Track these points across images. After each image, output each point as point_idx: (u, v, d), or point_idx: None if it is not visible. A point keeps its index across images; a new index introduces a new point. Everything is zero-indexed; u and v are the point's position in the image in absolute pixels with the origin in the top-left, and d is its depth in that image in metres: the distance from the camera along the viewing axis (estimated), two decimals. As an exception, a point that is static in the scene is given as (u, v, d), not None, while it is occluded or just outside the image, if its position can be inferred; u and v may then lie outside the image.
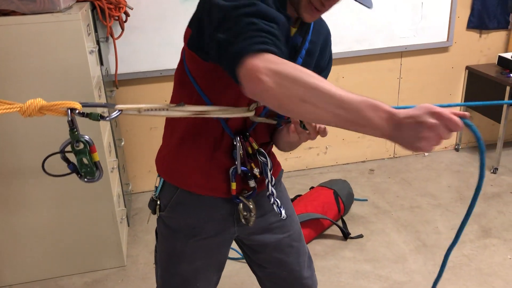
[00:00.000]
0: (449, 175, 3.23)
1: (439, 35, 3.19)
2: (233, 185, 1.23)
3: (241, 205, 1.27)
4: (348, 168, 3.35)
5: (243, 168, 1.21)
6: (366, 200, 2.93)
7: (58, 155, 0.99)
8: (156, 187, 1.30)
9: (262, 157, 1.22)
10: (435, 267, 2.32)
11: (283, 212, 1.28)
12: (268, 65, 0.84)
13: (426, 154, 3.53)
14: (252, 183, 1.24)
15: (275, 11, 0.96)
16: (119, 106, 0.94)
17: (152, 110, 0.96)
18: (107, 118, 0.94)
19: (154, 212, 1.32)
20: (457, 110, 0.85)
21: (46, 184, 2.15)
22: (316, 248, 2.50)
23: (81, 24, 1.94)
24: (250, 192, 1.25)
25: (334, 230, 2.62)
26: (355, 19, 2.99)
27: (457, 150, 3.56)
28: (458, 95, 3.44)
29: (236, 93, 1.07)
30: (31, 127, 2.05)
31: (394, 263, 2.37)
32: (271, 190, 1.25)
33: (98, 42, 2.39)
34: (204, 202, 1.26)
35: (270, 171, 1.23)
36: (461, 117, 0.81)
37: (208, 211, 1.27)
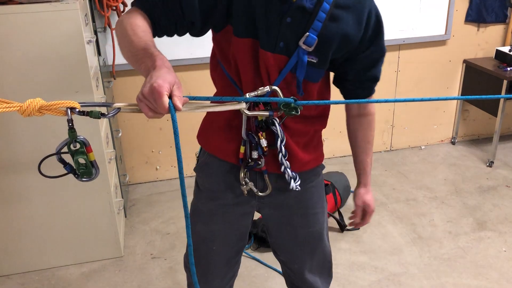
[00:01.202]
0: (445, 168, 3.24)
1: (437, 28, 3.19)
2: (241, 149, 1.24)
3: (241, 173, 1.26)
4: (345, 161, 3.36)
5: (249, 134, 1.20)
6: (363, 192, 2.94)
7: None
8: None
9: (274, 127, 1.18)
10: (430, 259, 2.34)
11: (292, 183, 1.25)
12: (123, 16, 1.09)
13: (422, 147, 3.55)
14: (254, 154, 1.22)
15: None
16: (117, 105, 0.96)
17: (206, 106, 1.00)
18: (107, 116, 0.95)
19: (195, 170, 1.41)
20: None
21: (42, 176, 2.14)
22: (313, 240, 2.51)
23: (79, 13, 1.92)
24: (252, 163, 1.24)
25: (331, 222, 2.64)
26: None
27: (453, 143, 3.58)
28: (455, 89, 3.45)
29: (250, 64, 1.16)
30: (28, 118, 2.03)
31: (390, 255, 2.38)
32: (283, 162, 1.23)
33: (95, 32, 2.37)
34: (224, 167, 1.29)
35: (282, 142, 1.20)
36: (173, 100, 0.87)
37: (228, 177, 1.30)
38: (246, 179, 1.27)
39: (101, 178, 2.20)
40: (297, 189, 1.27)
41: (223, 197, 1.33)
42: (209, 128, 1.33)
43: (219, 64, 1.25)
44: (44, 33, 1.92)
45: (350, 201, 2.85)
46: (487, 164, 3.24)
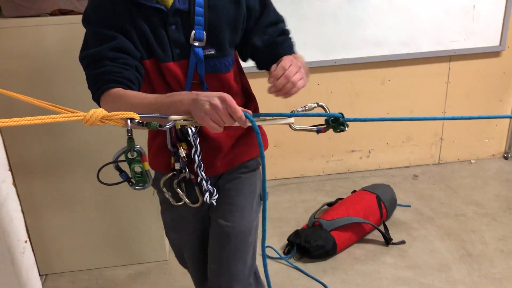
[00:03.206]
0: (497, 184, 3.12)
1: (491, 39, 3.08)
2: (172, 159, 1.31)
3: (162, 180, 1.32)
4: (391, 173, 3.30)
5: (173, 147, 1.26)
6: (409, 206, 2.88)
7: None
8: None
9: (194, 136, 1.24)
10: (480, 278, 2.26)
11: (207, 196, 1.29)
12: (107, 107, 1.08)
13: (472, 161, 3.43)
14: (177, 165, 1.28)
15: (95, 51, 1.13)
16: (173, 117, 1.01)
17: None
18: (164, 127, 0.99)
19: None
20: None
21: (95, 180, 2.22)
22: (357, 252, 2.48)
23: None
24: (174, 173, 1.29)
25: (376, 235, 2.59)
26: (400, 21, 2.94)
27: (506, 158, 3.44)
28: (509, 102, 3.32)
29: (159, 81, 1.23)
30: (85, 129, 2.12)
31: (437, 271, 2.32)
32: (199, 172, 1.27)
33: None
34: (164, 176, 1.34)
35: (196, 152, 1.24)
36: (244, 111, 0.96)
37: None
38: (179, 189, 1.31)
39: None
40: (211, 204, 1.30)
41: (177, 208, 1.37)
42: (150, 150, 1.38)
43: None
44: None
45: (396, 214, 2.79)
46: (543, 181, 3.10)
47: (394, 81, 3.11)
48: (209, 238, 1.43)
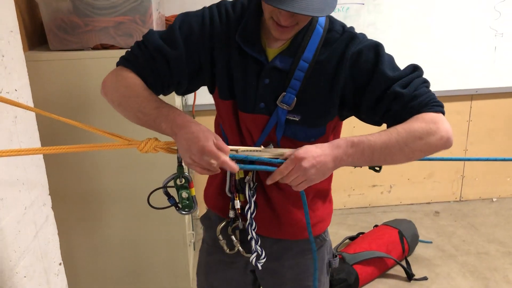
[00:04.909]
0: (520, 223, 3.11)
1: (513, 79, 3.14)
2: (230, 205, 1.23)
3: (220, 225, 1.25)
4: (412, 209, 3.32)
5: (231, 194, 1.20)
6: (431, 242, 2.89)
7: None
8: None
9: (250, 192, 1.16)
10: (504, 317, 2.25)
11: (253, 258, 1.21)
12: (110, 77, 1.16)
13: (494, 199, 3.43)
14: (231, 213, 1.21)
15: (152, 38, 1.12)
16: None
17: (246, 151, 1.07)
18: None
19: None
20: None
21: (124, 206, 2.30)
22: (379, 287, 2.48)
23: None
24: (228, 221, 1.24)
25: (398, 270, 2.60)
26: (422, 60, 3.01)
27: (528, 197, 3.44)
28: (531, 141, 3.34)
29: (232, 125, 1.18)
30: (112, 155, 2.21)
31: (460, 309, 2.31)
32: (250, 232, 1.18)
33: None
34: (221, 222, 1.27)
35: (249, 210, 1.16)
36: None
37: (224, 233, 1.28)
38: (233, 236, 1.23)
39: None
40: (257, 267, 1.22)
41: (218, 252, 1.29)
42: (210, 185, 1.32)
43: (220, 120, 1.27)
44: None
45: (417, 250, 2.80)
46: None
47: (416, 118, 3.16)
48: None
